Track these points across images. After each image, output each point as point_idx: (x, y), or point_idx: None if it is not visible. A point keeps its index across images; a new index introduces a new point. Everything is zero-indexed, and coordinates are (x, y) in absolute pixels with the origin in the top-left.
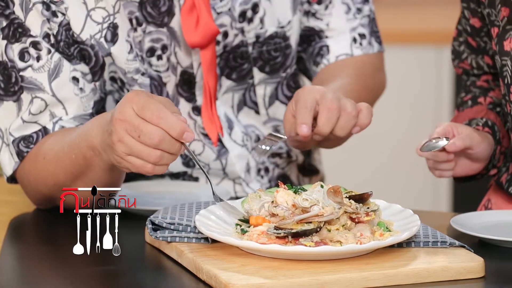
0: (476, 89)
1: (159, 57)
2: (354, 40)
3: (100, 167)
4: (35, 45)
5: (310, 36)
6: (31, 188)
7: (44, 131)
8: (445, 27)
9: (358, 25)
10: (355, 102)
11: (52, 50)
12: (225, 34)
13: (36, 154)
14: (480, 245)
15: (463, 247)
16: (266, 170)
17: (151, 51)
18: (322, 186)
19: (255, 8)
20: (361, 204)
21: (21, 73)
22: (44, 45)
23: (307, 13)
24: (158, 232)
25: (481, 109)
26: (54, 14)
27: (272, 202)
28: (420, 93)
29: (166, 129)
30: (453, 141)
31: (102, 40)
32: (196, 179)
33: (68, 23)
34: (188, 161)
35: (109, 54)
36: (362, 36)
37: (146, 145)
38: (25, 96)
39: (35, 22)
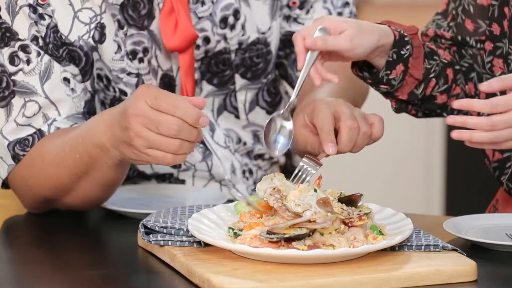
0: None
1: (141, 60)
2: None
3: (107, 164)
4: (24, 48)
5: (291, 41)
6: (29, 192)
7: (40, 133)
8: None
9: None
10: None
11: (42, 52)
12: (207, 39)
13: (33, 158)
14: (472, 249)
15: (456, 250)
16: (250, 172)
17: (133, 54)
18: (315, 191)
19: (236, 14)
20: (353, 208)
21: (12, 78)
22: (33, 47)
23: (287, 18)
24: (151, 235)
25: (413, 29)
26: (41, 16)
27: (274, 188)
28: None
29: (182, 117)
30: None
31: (90, 40)
32: (182, 182)
33: (56, 25)
34: None
35: (96, 50)
36: None
37: (165, 135)
38: (17, 101)
39: (22, 25)
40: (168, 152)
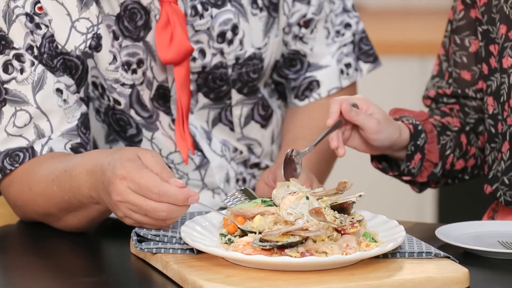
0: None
1: (134, 71)
2: (342, 72)
3: (98, 210)
4: (18, 57)
5: (292, 60)
6: (19, 210)
7: (32, 152)
8: (429, 38)
9: (342, 54)
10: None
11: (36, 62)
12: (202, 52)
13: (21, 183)
14: (465, 256)
15: (448, 257)
16: (244, 180)
17: (128, 65)
18: (307, 198)
19: (234, 29)
20: (346, 215)
21: (5, 86)
22: (28, 57)
23: (295, 37)
24: (143, 243)
25: (422, 115)
26: (38, 26)
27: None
28: (404, 104)
29: (170, 203)
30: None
31: (87, 50)
32: None
33: (52, 35)
34: None
35: (92, 57)
36: (348, 65)
37: (155, 219)
38: (8, 109)
39: (18, 34)
40: (159, 227)
